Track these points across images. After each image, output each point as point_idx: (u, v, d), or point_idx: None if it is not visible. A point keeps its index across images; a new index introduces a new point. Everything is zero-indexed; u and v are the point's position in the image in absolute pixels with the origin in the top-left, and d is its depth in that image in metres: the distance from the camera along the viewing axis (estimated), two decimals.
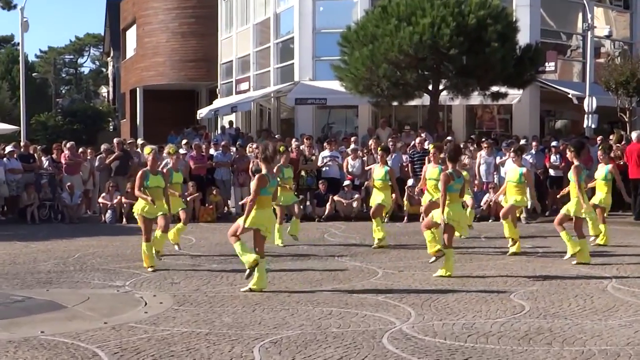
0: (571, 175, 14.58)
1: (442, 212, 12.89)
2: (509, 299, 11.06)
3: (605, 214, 17.07)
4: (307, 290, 11.87)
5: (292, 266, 14.22)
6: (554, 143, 24.22)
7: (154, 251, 13.92)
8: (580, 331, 9.14)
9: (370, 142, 24.65)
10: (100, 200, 22.98)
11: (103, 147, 24.83)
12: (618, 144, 23.82)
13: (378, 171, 17.14)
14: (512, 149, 16.90)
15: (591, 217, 15.16)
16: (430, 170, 16.34)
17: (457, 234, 14.54)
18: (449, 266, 12.90)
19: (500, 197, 16.78)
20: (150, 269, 13.54)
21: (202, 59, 44.61)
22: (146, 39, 46.90)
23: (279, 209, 17.19)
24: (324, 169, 23.69)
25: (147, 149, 15.03)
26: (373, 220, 16.92)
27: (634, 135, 23.32)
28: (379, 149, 18.05)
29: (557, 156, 22.98)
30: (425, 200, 16.73)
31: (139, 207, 13.72)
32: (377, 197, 16.98)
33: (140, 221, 13.82)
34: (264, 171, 11.86)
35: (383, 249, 16.43)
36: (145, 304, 10.83)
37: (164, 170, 15.41)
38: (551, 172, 23.14)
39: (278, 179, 12.71)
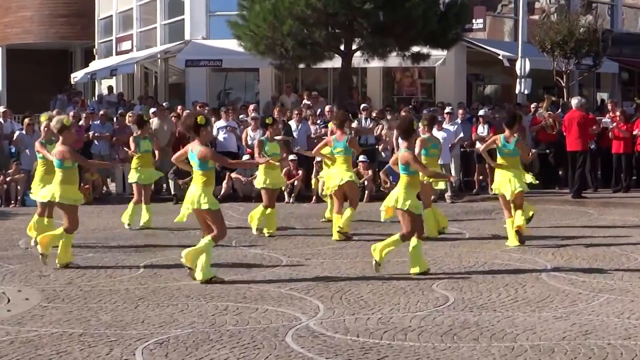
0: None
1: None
2: (430, 290, 11.20)
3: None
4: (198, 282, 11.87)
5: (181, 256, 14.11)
6: (481, 112, 24.38)
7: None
8: (511, 325, 9.31)
9: (275, 110, 24.64)
10: None
11: None
12: (550, 112, 24.06)
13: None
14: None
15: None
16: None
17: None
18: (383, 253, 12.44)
19: None
20: None
21: (77, 14, 43.90)
22: None
23: (136, 187, 17.99)
24: (219, 140, 23.63)
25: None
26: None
27: (574, 102, 23.22)
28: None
29: (486, 126, 23.13)
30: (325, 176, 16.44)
31: None
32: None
33: None
34: None
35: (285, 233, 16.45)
36: (8, 300, 10.70)
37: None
38: (478, 144, 23.27)
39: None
